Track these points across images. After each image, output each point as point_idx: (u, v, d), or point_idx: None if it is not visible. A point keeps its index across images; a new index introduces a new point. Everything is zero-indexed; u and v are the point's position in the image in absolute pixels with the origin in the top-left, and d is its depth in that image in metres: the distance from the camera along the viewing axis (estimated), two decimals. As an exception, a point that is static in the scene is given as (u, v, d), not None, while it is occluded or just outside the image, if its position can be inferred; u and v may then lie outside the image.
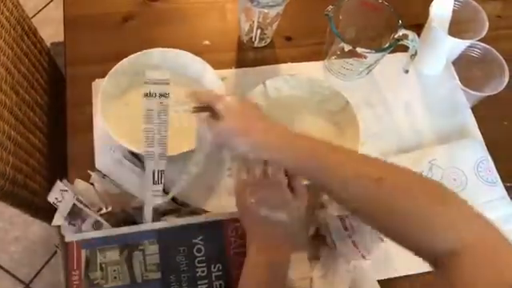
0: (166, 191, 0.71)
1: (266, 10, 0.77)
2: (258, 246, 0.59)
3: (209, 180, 0.75)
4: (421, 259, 0.67)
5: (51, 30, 1.61)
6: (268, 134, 0.57)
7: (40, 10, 1.76)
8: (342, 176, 0.53)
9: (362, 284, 0.67)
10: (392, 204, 0.50)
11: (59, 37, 0.98)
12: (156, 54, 0.78)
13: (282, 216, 0.58)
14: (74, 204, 0.66)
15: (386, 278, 0.69)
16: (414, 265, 0.71)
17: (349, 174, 0.53)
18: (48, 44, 1.06)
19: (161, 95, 0.72)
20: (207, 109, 0.60)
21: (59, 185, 0.67)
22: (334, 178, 0.53)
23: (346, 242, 0.65)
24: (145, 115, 0.70)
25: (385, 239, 0.66)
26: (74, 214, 0.66)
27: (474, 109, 0.85)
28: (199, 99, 0.62)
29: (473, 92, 0.81)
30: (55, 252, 1.33)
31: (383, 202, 0.51)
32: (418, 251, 0.50)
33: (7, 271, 1.34)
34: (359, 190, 0.52)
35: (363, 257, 0.66)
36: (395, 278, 0.70)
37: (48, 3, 1.78)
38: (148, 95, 0.72)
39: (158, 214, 0.68)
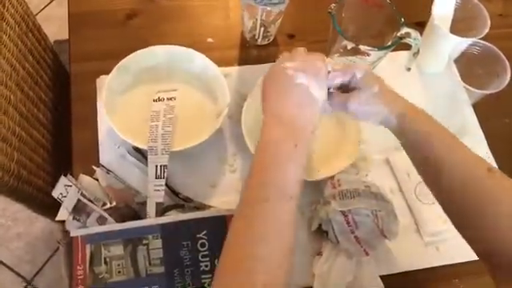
0: (168, 186, 0.71)
1: (268, 8, 0.78)
2: (279, 119, 0.56)
3: (211, 176, 0.75)
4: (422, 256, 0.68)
5: (54, 28, 1.61)
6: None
7: (43, 9, 1.76)
8: (451, 159, 0.55)
9: (364, 280, 0.67)
10: (500, 195, 0.52)
11: (62, 34, 0.99)
12: (160, 51, 0.79)
13: (319, 91, 0.57)
14: (79, 199, 0.67)
15: (388, 273, 0.69)
16: (416, 261, 0.72)
17: (458, 159, 0.55)
18: (51, 42, 1.06)
19: (168, 99, 0.73)
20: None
21: (64, 180, 0.68)
22: (446, 157, 0.56)
23: (349, 237, 0.65)
24: (151, 115, 0.72)
25: (388, 236, 0.66)
26: (79, 209, 0.67)
27: (476, 107, 0.86)
28: (338, 72, 0.61)
29: (474, 90, 0.81)
30: (57, 248, 1.33)
31: (490, 191, 0.53)
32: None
33: (9, 267, 1.34)
34: (466, 175, 0.54)
35: (366, 253, 0.66)
36: (397, 273, 0.70)
37: (51, 1, 1.78)
38: (157, 100, 0.74)
39: (162, 209, 0.68)
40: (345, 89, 0.62)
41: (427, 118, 0.59)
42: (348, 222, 0.64)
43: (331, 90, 0.61)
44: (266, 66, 0.85)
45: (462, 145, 0.57)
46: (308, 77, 0.57)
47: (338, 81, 0.61)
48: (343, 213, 0.65)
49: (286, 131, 0.54)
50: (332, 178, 0.69)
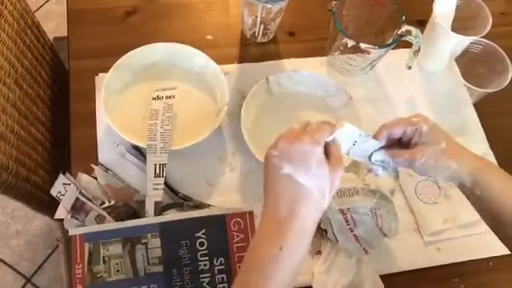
0: (167, 184, 0.71)
1: (269, 5, 0.77)
2: (273, 217, 0.50)
3: (211, 175, 0.75)
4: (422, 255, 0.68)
5: (53, 25, 1.61)
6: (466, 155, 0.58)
7: (42, 6, 1.76)
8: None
9: (363, 279, 0.67)
10: None
11: (61, 32, 0.98)
12: (159, 48, 0.78)
13: (305, 180, 0.49)
14: (77, 197, 0.67)
15: (388, 273, 0.69)
16: (417, 260, 0.71)
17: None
18: (50, 39, 1.06)
19: (167, 97, 0.73)
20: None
21: (62, 178, 0.68)
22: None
23: (348, 236, 0.65)
24: (150, 114, 0.71)
25: (387, 234, 0.66)
26: (77, 208, 0.67)
27: (477, 105, 0.85)
28: (398, 125, 0.59)
29: (475, 88, 0.81)
30: (57, 246, 1.33)
31: None
32: None
33: (9, 265, 1.34)
34: None
35: (365, 251, 0.66)
36: (397, 273, 0.70)
37: (49, -2, 1.78)
38: (156, 99, 0.73)
39: (161, 208, 0.68)
40: (403, 144, 0.59)
41: (499, 173, 0.57)
42: (347, 221, 0.64)
43: (385, 144, 0.58)
44: (265, 64, 0.86)
45: None
46: (295, 166, 0.50)
47: (399, 132, 0.58)
48: (342, 211, 0.64)
49: (275, 231, 0.49)
50: None
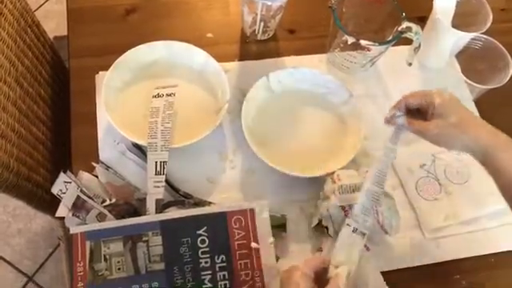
0: (168, 182, 0.71)
1: (269, 3, 0.77)
2: None
3: (211, 172, 0.75)
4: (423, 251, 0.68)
5: (53, 24, 1.61)
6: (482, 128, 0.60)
7: (42, 5, 1.76)
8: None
9: (364, 275, 0.67)
10: None
11: (61, 31, 0.98)
12: (159, 46, 0.78)
13: None
14: (78, 196, 0.67)
15: (389, 269, 0.69)
16: (418, 256, 0.72)
17: None
18: (50, 38, 1.06)
19: (167, 95, 0.73)
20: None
21: (63, 176, 0.68)
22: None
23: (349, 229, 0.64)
24: (151, 112, 0.71)
25: (388, 231, 0.66)
26: (78, 206, 0.67)
27: (478, 102, 0.85)
28: (414, 97, 0.63)
29: (476, 85, 0.81)
30: (58, 245, 1.33)
31: None
32: None
33: (10, 264, 1.34)
34: None
35: (366, 248, 0.66)
36: (398, 269, 0.70)
37: (50, -3, 1.78)
38: (156, 97, 0.73)
39: (162, 205, 0.68)
40: (423, 114, 0.62)
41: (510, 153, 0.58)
42: (348, 218, 0.64)
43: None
44: (266, 62, 0.86)
45: None
46: None
47: (415, 103, 0.62)
48: (343, 208, 0.64)
49: None
50: (332, 173, 0.69)
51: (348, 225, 0.63)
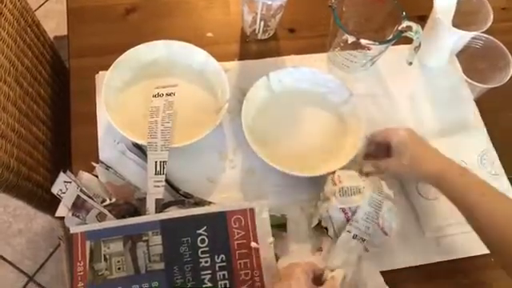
0: (168, 182, 0.71)
1: (269, 2, 0.77)
2: None
3: (211, 172, 0.75)
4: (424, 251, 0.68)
5: (53, 24, 1.61)
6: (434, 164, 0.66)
7: (42, 4, 1.76)
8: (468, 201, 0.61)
9: (364, 275, 0.67)
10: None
11: (61, 30, 0.98)
12: (159, 46, 0.78)
13: None
14: (78, 195, 0.67)
15: (389, 269, 0.69)
16: (418, 256, 0.71)
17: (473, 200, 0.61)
18: (50, 38, 1.06)
19: (167, 94, 0.73)
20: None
21: (63, 176, 0.68)
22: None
23: (349, 235, 0.64)
24: (151, 111, 0.71)
25: (388, 233, 0.66)
26: (78, 206, 0.67)
27: (478, 101, 0.85)
28: (378, 134, 0.71)
29: (476, 84, 0.81)
30: (59, 244, 1.33)
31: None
32: None
33: (11, 263, 1.34)
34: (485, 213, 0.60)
35: (366, 249, 0.66)
36: (398, 269, 0.70)
37: (50, -3, 1.78)
38: (156, 96, 0.73)
39: (162, 205, 0.68)
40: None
41: (463, 181, 0.63)
42: (348, 220, 0.64)
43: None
44: (266, 61, 0.86)
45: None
46: None
47: (377, 141, 0.70)
48: (343, 210, 0.64)
49: None
50: (333, 174, 0.69)
51: (348, 231, 0.63)
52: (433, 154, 0.66)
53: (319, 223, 0.68)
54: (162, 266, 0.64)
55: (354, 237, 0.64)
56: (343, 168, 0.70)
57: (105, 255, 0.64)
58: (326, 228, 0.67)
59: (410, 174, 0.68)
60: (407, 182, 0.74)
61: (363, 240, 0.64)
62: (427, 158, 0.66)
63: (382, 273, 0.67)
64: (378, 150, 0.71)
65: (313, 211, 0.71)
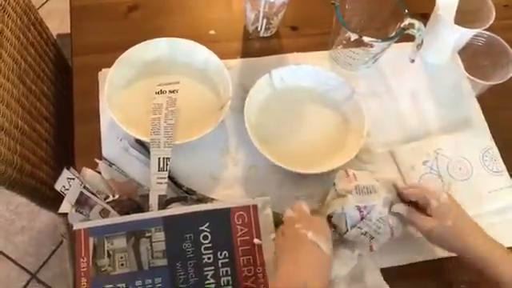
0: (171, 178, 0.71)
1: (271, 0, 0.77)
2: (287, 279, 0.57)
3: (214, 169, 0.75)
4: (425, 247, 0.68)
5: (56, 22, 1.61)
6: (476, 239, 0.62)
7: (45, 3, 1.76)
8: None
9: (364, 272, 0.67)
10: None
11: (64, 28, 0.99)
12: (162, 43, 0.78)
13: (327, 247, 0.59)
14: (81, 192, 0.67)
15: (390, 266, 0.69)
16: (419, 252, 0.71)
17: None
18: (54, 35, 1.06)
19: (170, 92, 0.73)
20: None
21: (66, 173, 0.68)
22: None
23: (359, 231, 0.64)
24: (153, 108, 0.72)
25: (395, 233, 0.66)
26: (81, 202, 0.67)
27: (480, 98, 0.85)
28: (413, 194, 0.65)
29: (479, 81, 0.81)
30: (61, 242, 1.34)
31: None
32: None
33: (14, 261, 1.35)
34: None
35: (371, 248, 0.66)
36: (399, 266, 0.70)
37: (53, -5, 1.78)
38: (159, 93, 0.74)
39: (165, 202, 0.68)
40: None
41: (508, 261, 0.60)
42: (362, 218, 0.63)
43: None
44: (268, 59, 0.86)
45: None
46: (317, 234, 0.59)
47: (412, 199, 0.65)
48: (359, 208, 0.64)
49: None
50: (345, 171, 0.68)
51: (359, 227, 0.63)
52: (476, 228, 0.63)
53: (329, 220, 0.67)
54: (164, 262, 0.64)
55: (364, 233, 0.64)
56: (345, 165, 0.70)
57: (108, 251, 0.64)
58: (334, 226, 0.66)
59: (453, 241, 0.63)
60: (447, 249, 0.66)
61: (372, 238, 0.64)
62: (473, 229, 0.63)
63: (384, 270, 0.67)
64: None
65: (315, 208, 0.70)
